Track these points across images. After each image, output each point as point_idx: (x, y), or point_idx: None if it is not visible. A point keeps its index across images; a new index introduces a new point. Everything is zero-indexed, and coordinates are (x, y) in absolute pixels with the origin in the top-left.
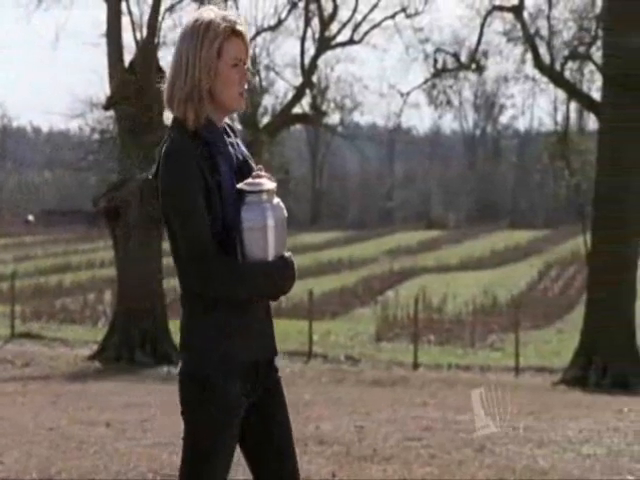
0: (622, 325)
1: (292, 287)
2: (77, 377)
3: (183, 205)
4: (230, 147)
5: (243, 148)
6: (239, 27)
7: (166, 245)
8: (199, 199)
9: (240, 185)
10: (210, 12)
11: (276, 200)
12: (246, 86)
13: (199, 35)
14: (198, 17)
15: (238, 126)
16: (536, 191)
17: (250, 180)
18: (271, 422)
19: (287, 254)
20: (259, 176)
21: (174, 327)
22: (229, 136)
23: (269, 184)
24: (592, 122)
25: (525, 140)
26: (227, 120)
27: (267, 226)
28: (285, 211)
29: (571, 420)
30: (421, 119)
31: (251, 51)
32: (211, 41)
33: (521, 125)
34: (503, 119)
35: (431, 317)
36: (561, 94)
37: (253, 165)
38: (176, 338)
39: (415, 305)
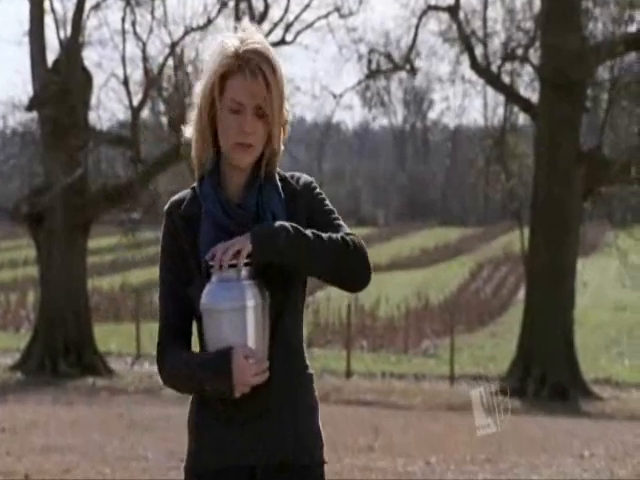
0: (560, 333)
1: (229, 392)
2: None
3: (159, 274)
4: (224, 208)
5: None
6: (252, 66)
7: (92, 243)
8: (169, 269)
9: (208, 257)
10: (234, 40)
11: (252, 277)
12: (252, 140)
13: (210, 59)
14: (221, 41)
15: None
16: (467, 189)
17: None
18: None
19: (258, 353)
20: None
21: (99, 333)
22: (256, 195)
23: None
24: (522, 119)
25: (455, 136)
26: (282, 173)
27: (246, 307)
28: (267, 293)
29: (532, 470)
30: (351, 115)
31: (277, 99)
32: (214, 71)
33: (451, 121)
34: (432, 114)
35: (364, 322)
36: (490, 91)
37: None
38: (101, 345)
39: (348, 311)
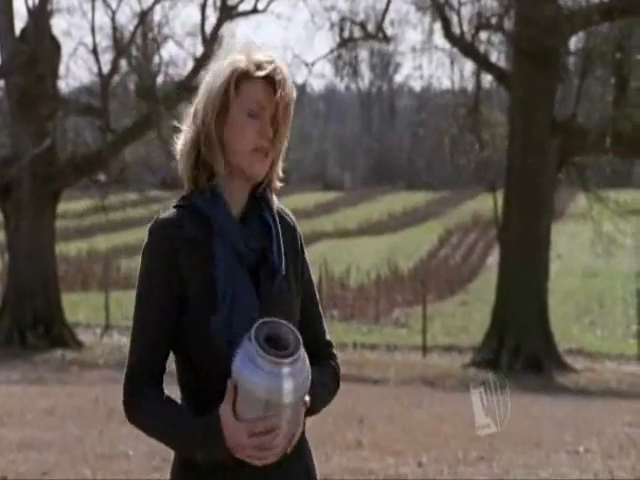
0: (535, 303)
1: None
2: None
3: (136, 307)
4: (238, 229)
5: (275, 243)
6: (268, 72)
7: (58, 207)
8: (158, 299)
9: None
10: (241, 57)
11: (302, 358)
12: (270, 147)
13: (219, 69)
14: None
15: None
16: (435, 153)
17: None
18: None
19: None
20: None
21: (67, 303)
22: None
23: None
24: (489, 84)
25: (423, 100)
26: (277, 204)
27: (283, 404)
28: (309, 375)
29: (529, 471)
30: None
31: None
32: (233, 69)
33: (417, 84)
34: (399, 77)
35: (334, 291)
36: (459, 57)
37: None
38: (69, 315)
39: (318, 280)
